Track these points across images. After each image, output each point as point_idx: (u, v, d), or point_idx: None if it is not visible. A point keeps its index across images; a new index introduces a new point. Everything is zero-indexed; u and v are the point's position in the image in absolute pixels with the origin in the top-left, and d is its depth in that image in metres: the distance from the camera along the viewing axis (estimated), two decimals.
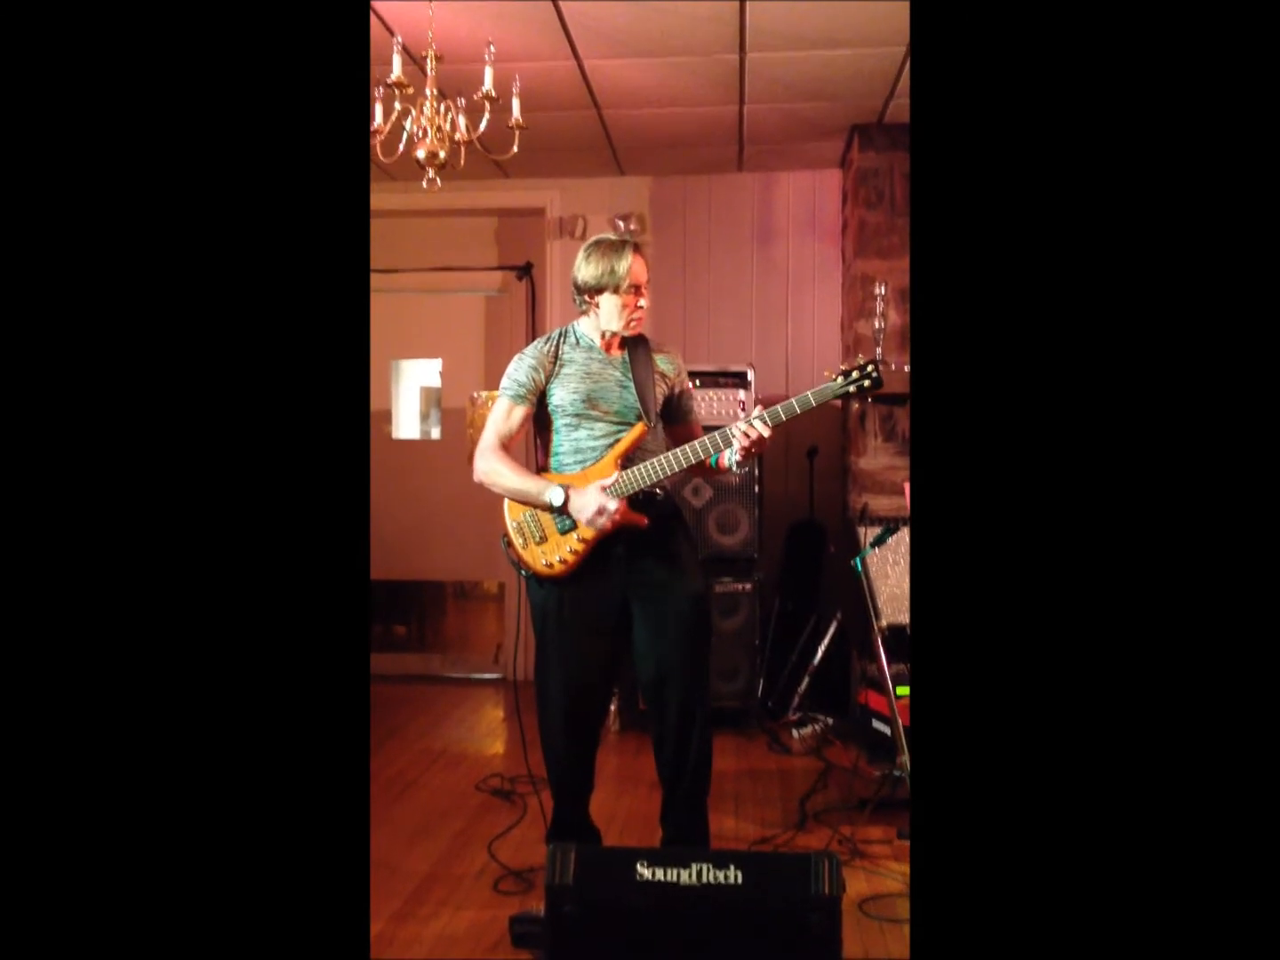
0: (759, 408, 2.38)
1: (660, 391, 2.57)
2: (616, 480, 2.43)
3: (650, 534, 2.47)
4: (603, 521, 2.39)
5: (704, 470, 2.61)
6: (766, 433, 2.35)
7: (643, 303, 2.51)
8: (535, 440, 2.65)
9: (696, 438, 2.46)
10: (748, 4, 3.19)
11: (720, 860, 2.01)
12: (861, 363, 2.37)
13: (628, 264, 2.47)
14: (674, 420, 2.66)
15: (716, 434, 2.42)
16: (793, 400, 2.36)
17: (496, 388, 2.60)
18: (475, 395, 5.31)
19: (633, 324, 2.52)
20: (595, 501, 2.39)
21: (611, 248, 2.49)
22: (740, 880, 1.99)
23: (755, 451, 2.38)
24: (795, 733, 4.07)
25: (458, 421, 5.34)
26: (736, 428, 2.37)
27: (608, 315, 2.51)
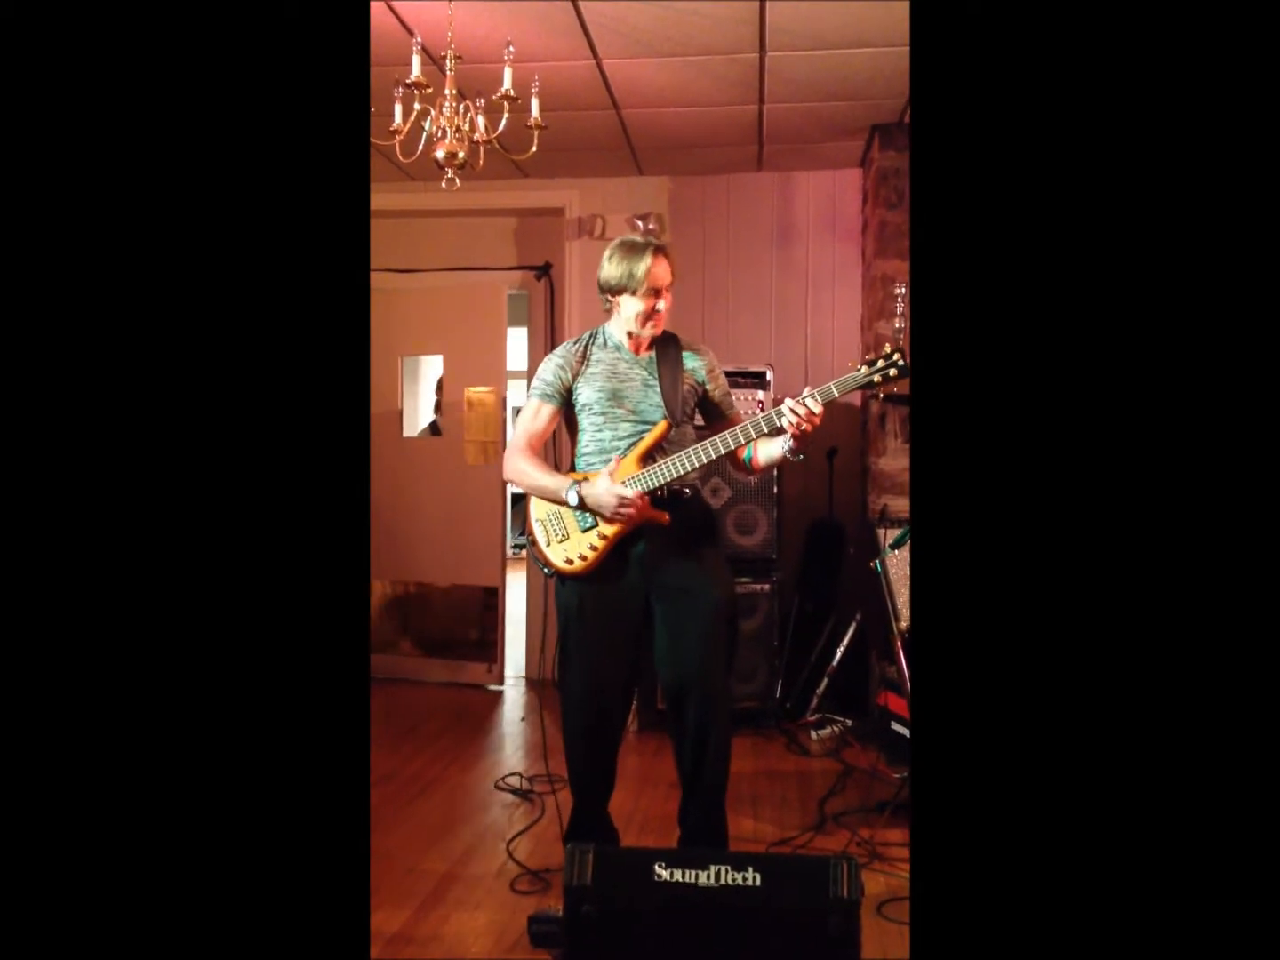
0: (803, 393, 2.35)
1: (688, 391, 2.57)
2: (637, 476, 2.43)
3: (675, 534, 2.47)
4: (621, 510, 2.39)
5: (738, 467, 2.61)
6: (818, 409, 2.31)
7: (661, 305, 2.50)
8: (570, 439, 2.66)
9: None
10: (768, 4, 3.18)
11: (739, 862, 2.01)
12: (887, 352, 2.35)
13: (646, 267, 2.46)
14: (713, 418, 2.65)
15: (748, 423, 2.40)
16: (829, 385, 2.34)
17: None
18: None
19: (649, 326, 2.52)
20: (605, 488, 2.39)
21: (632, 250, 2.49)
22: (759, 882, 1.99)
23: (809, 432, 2.34)
24: (814, 734, 4.06)
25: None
26: (781, 410, 2.33)
27: (627, 316, 2.52)
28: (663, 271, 2.49)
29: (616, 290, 2.51)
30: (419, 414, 5.84)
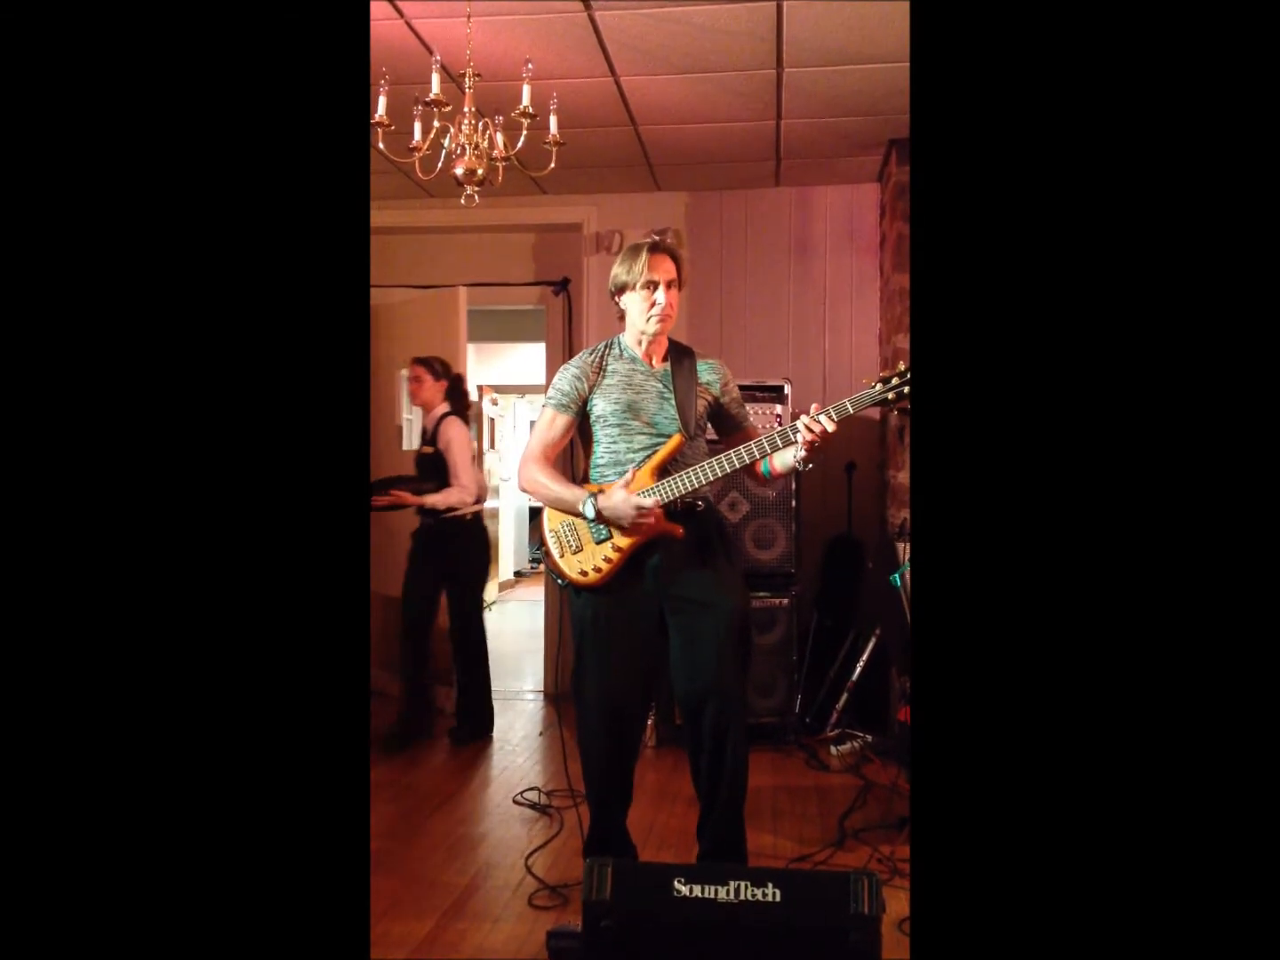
0: (815, 407, 2.37)
1: (702, 404, 2.57)
2: (653, 489, 2.43)
3: (689, 546, 2.47)
4: (639, 521, 2.40)
5: (756, 478, 2.61)
6: (832, 428, 2.33)
7: (660, 297, 2.50)
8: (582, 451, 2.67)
9: None
10: (785, 20, 3.20)
11: (758, 878, 2.00)
12: (901, 370, 2.35)
13: (644, 261, 2.50)
14: (727, 430, 2.66)
15: (763, 439, 2.42)
16: (844, 401, 2.35)
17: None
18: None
19: (652, 320, 2.52)
20: (622, 499, 2.40)
21: (633, 249, 2.55)
22: (778, 898, 1.97)
23: (821, 447, 2.36)
24: (833, 749, 4.04)
25: None
26: (797, 425, 2.35)
27: (634, 315, 2.55)
28: (661, 265, 2.52)
29: (620, 289, 2.55)
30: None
